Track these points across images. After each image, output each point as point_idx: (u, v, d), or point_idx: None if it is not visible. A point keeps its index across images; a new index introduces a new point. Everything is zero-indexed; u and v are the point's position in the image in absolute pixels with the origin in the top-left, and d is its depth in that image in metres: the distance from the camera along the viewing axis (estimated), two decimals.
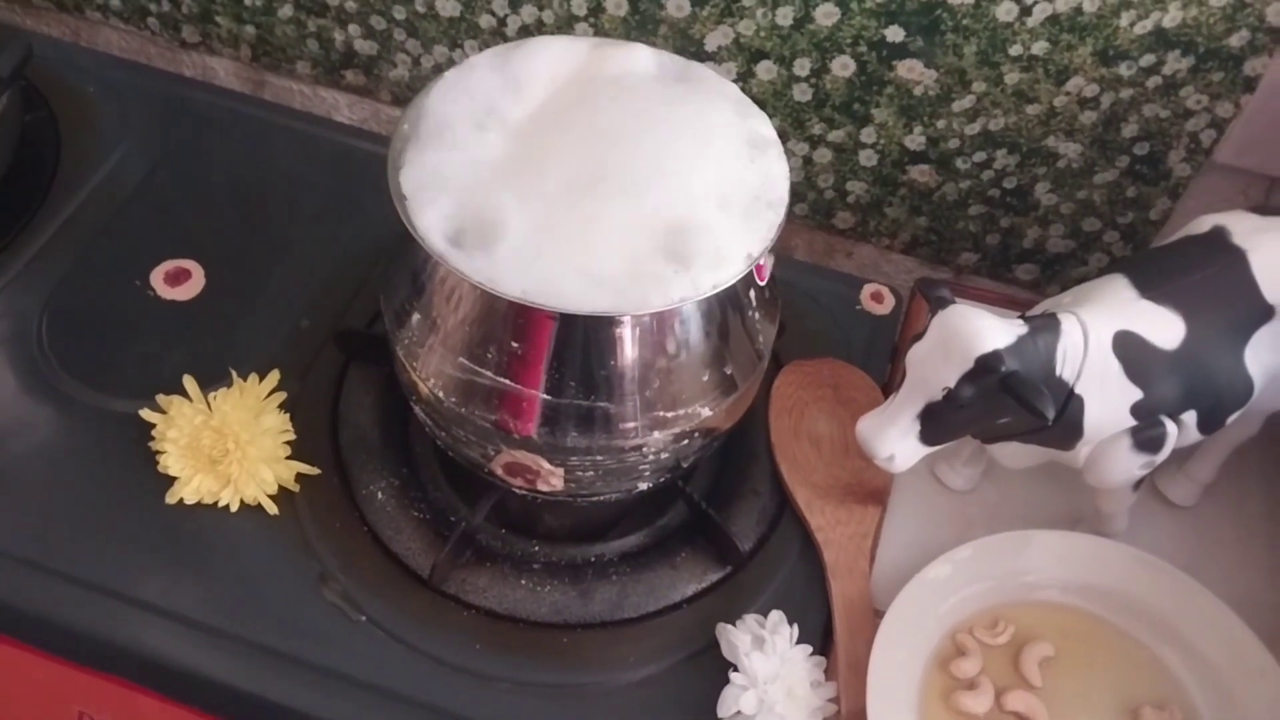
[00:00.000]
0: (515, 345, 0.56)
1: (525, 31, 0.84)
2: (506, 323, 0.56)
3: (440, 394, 0.60)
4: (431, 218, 0.55)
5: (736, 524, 0.69)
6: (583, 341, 0.56)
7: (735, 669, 0.62)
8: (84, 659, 0.66)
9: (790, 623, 0.64)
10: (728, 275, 0.54)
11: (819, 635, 0.65)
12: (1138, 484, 0.64)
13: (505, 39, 0.85)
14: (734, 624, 0.64)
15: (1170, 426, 0.60)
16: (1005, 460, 0.65)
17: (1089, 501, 0.67)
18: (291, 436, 0.69)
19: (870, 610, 0.65)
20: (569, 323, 0.56)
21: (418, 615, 0.65)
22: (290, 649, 0.63)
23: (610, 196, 0.54)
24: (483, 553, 0.67)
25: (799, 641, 0.63)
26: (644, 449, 0.60)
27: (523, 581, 0.66)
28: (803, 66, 0.79)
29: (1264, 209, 0.63)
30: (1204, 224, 0.62)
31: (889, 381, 0.77)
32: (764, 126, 0.61)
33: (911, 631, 0.63)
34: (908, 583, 0.64)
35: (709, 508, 0.69)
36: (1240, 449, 0.70)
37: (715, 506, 0.70)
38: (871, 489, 0.71)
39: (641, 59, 0.62)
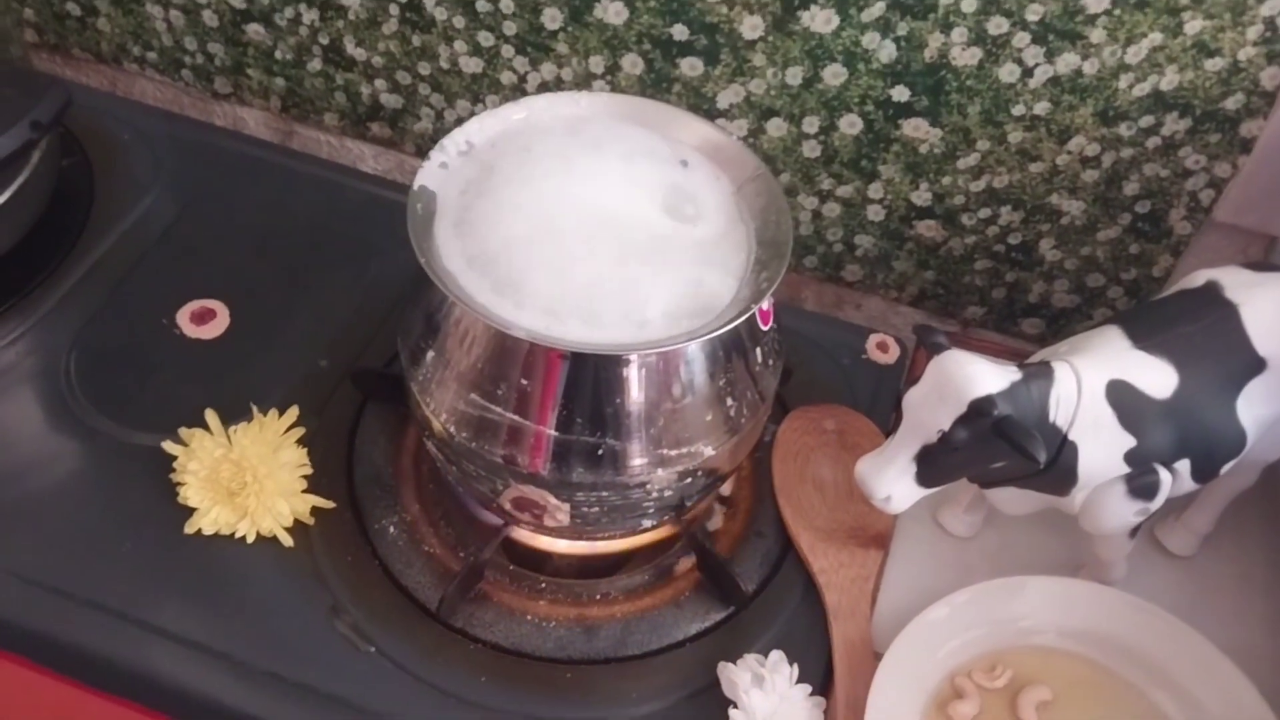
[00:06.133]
0: (525, 382, 0.58)
1: (544, 88, 0.87)
2: (517, 360, 0.58)
3: (452, 429, 0.61)
4: (448, 259, 0.58)
5: (740, 565, 0.71)
6: (591, 380, 0.58)
7: (735, 706, 0.63)
8: (100, 683, 0.68)
9: (791, 663, 0.65)
10: (732, 318, 0.56)
11: (819, 676, 0.66)
12: (1134, 532, 0.65)
13: (525, 94, 0.88)
14: (735, 663, 0.65)
15: (1164, 474, 0.61)
16: (1004, 506, 0.67)
17: (1088, 549, 0.68)
18: (308, 471, 0.71)
19: (870, 652, 0.66)
20: (579, 361, 0.58)
21: (425, 648, 0.66)
22: (301, 678, 0.64)
23: (622, 239, 0.57)
24: (490, 588, 0.69)
25: (799, 681, 0.64)
26: (648, 486, 0.61)
27: (529, 617, 0.68)
28: (812, 124, 0.81)
29: (1257, 265, 0.64)
30: (1198, 278, 0.64)
31: (893, 429, 0.78)
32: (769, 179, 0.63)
33: (910, 673, 0.64)
34: (907, 625, 0.65)
35: (713, 548, 0.70)
36: (1238, 500, 0.71)
37: (720, 548, 0.71)
38: (874, 533, 0.72)
39: (652, 114, 0.65)
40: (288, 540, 0.69)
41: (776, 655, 0.65)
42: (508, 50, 0.85)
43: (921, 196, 0.83)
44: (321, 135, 0.99)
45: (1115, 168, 0.78)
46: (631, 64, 0.82)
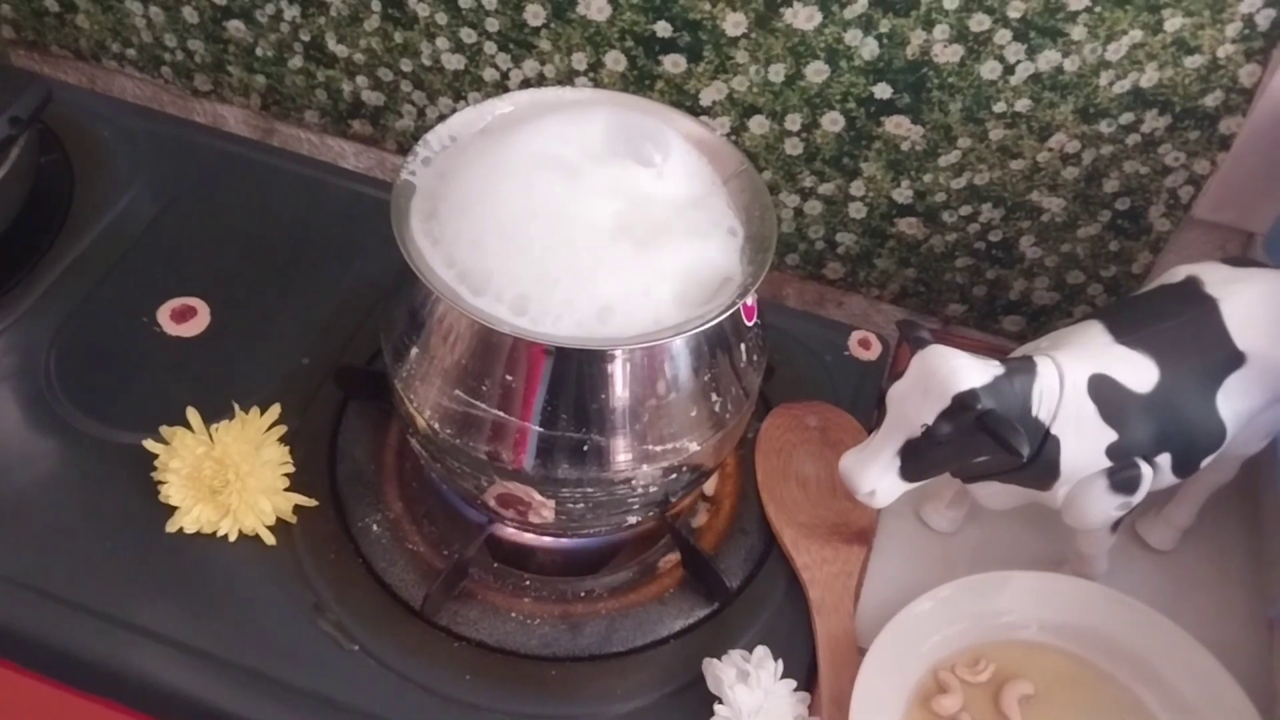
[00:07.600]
0: (509, 378, 0.58)
1: (527, 84, 0.87)
2: (501, 356, 0.58)
3: (436, 426, 0.61)
4: (432, 254, 0.58)
5: (724, 562, 0.71)
6: (575, 375, 0.58)
7: (720, 702, 0.63)
8: (82, 684, 0.67)
9: (775, 658, 0.65)
10: (715, 312, 0.56)
11: (804, 671, 0.66)
12: (1115, 526, 0.65)
13: (507, 91, 0.87)
14: (720, 659, 0.65)
15: (1145, 468, 0.61)
16: (986, 501, 0.67)
17: (1070, 544, 0.69)
18: (290, 469, 0.71)
19: (854, 647, 0.67)
20: (563, 356, 0.58)
21: (409, 646, 0.66)
22: (284, 676, 0.64)
23: (604, 234, 0.57)
24: (474, 586, 0.69)
25: (783, 676, 0.64)
26: (633, 482, 0.61)
27: (513, 614, 0.68)
28: (794, 121, 0.81)
29: (1235, 260, 0.65)
30: (1178, 274, 0.65)
31: (875, 425, 0.78)
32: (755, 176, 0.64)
33: (894, 668, 0.64)
34: (890, 620, 0.65)
35: (697, 545, 0.70)
36: (1217, 494, 0.71)
37: (703, 544, 0.71)
38: (857, 529, 0.72)
39: (636, 109, 0.65)
40: (270, 539, 0.69)
41: (761, 651, 0.65)
42: (490, 47, 0.85)
43: (903, 194, 0.83)
44: (302, 133, 0.99)
45: (1095, 165, 0.78)
46: (614, 61, 0.82)
